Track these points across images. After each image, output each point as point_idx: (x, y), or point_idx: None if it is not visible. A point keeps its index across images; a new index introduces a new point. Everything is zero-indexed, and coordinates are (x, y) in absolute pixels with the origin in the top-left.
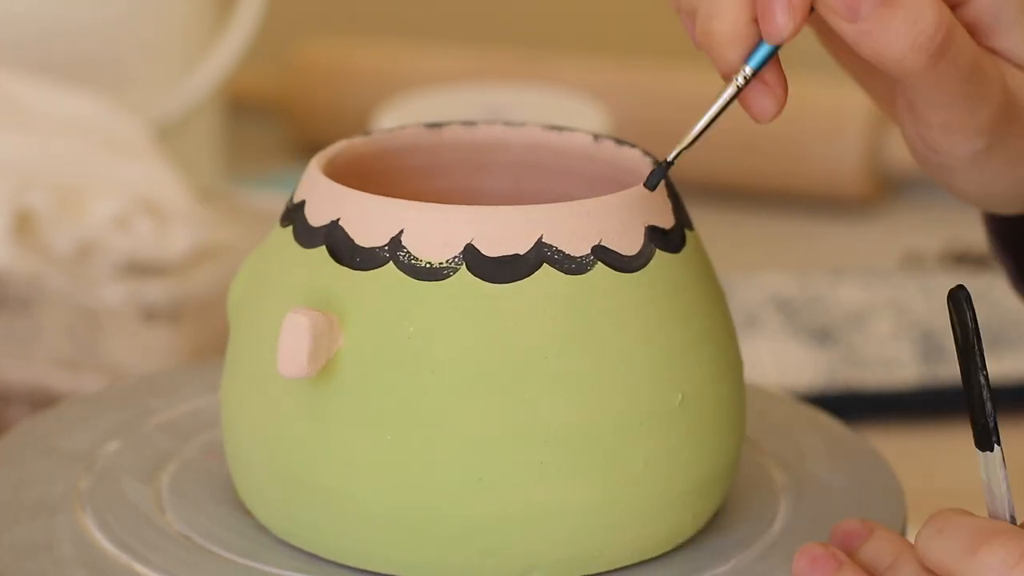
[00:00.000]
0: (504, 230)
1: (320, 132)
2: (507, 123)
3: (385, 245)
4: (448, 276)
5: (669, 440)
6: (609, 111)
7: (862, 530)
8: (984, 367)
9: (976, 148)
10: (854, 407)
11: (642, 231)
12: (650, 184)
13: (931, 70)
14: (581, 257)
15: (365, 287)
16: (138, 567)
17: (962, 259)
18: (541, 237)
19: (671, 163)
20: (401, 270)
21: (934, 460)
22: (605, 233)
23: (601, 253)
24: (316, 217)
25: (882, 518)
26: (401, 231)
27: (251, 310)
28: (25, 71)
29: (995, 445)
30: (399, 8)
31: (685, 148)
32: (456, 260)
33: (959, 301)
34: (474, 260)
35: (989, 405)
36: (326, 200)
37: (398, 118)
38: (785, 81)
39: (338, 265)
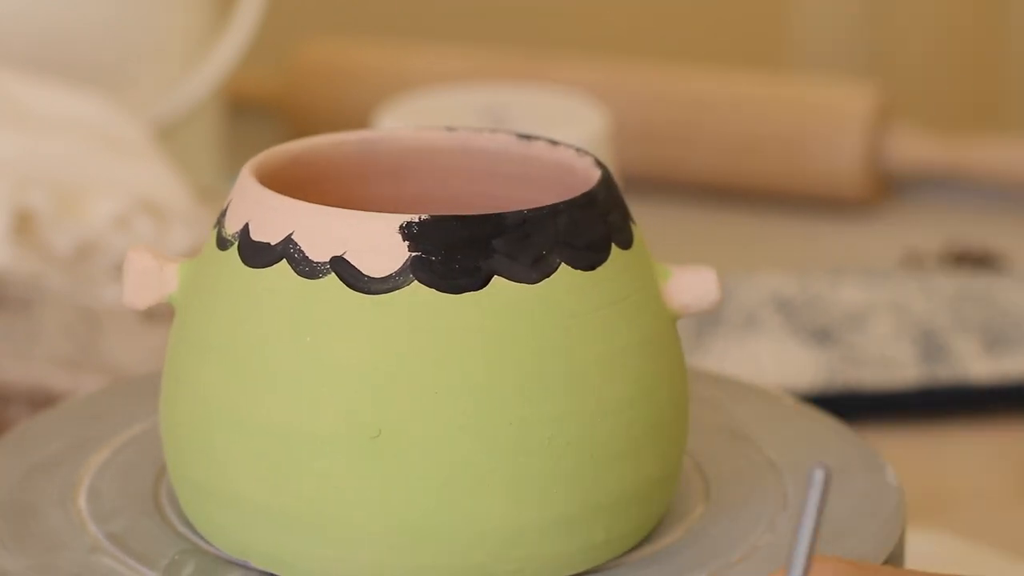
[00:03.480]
0: (266, 219)
1: (320, 132)
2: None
3: (237, 233)
4: (227, 248)
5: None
6: (609, 111)
7: None
8: None
9: None
10: (854, 407)
11: (404, 258)
12: None
13: None
14: (317, 263)
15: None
16: (139, 566)
17: (962, 259)
18: (291, 234)
19: None
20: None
21: (934, 460)
22: (353, 247)
23: (338, 265)
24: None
25: (881, 518)
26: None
27: None
28: (25, 71)
29: None
30: (399, 8)
31: None
32: (234, 236)
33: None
34: (244, 243)
35: None
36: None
37: (398, 118)
38: None
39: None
